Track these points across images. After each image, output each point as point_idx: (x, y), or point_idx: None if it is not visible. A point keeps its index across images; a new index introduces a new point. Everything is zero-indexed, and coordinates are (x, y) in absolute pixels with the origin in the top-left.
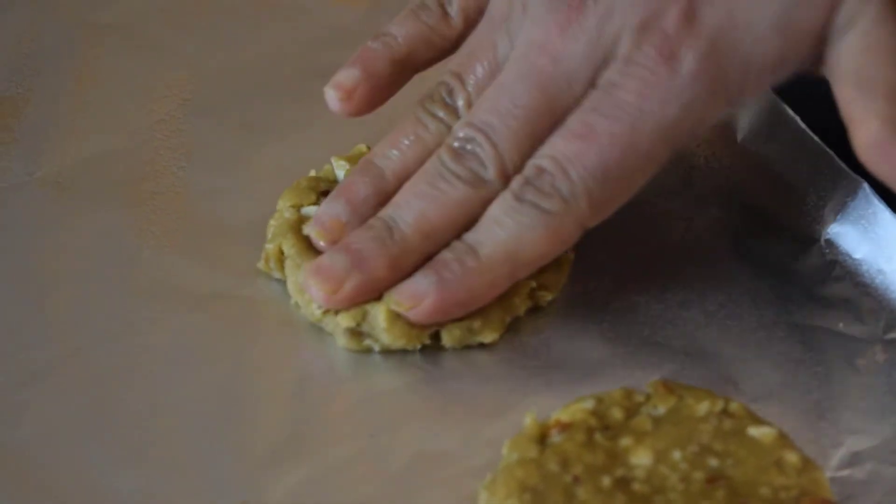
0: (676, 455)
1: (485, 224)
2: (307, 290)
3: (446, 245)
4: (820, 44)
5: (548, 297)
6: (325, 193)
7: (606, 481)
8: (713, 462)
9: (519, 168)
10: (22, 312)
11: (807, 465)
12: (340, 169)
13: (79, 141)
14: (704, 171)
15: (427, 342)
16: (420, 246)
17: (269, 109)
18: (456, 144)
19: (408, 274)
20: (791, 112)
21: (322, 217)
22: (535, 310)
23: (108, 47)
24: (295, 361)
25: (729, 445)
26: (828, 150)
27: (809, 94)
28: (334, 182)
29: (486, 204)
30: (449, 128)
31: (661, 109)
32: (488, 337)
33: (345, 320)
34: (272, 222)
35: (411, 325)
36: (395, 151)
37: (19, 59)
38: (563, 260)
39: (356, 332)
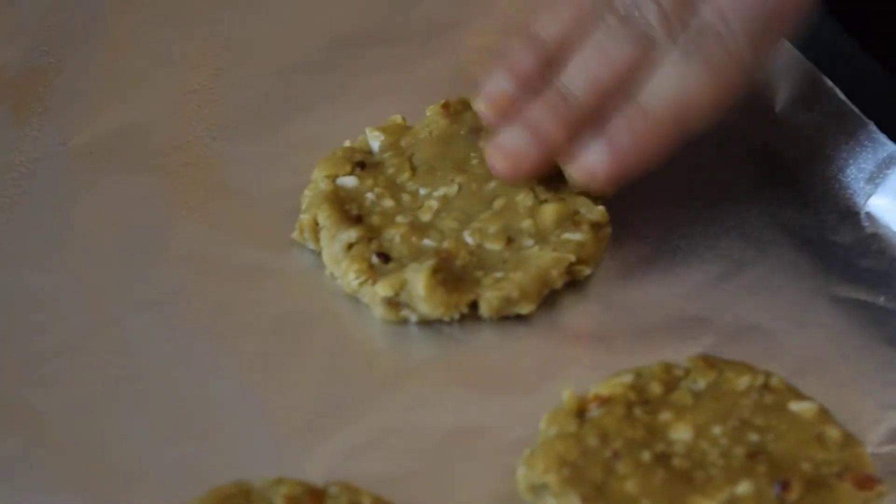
0: (717, 430)
1: (653, 82)
2: (491, 167)
3: (617, 102)
4: None
5: (585, 271)
6: (360, 164)
7: (646, 456)
8: (754, 437)
9: (685, 23)
10: (55, 282)
11: (848, 440)
12: (375, 140)
13: (110, 111)
14: (742, 142)
15: (464, 312)
16: (592, 106)
17: (302, 79)
18: (622, 11)
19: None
20: (830, 82)
21: (489, 92)
22: (572, 284)
23: (141, 17)
24: (331, 333)
25: (770, 420)
26: (868, 120)
27: (849, 63)
28: (369, 153)
29: (655, 64)
30: None
31: None
32: (525, 308)
33: (382, 290)
34: (307, 192)
35: (450, 293)
36: (553, 19)
37: (50, 29)
38: (601, 235)
39: (393, 303)
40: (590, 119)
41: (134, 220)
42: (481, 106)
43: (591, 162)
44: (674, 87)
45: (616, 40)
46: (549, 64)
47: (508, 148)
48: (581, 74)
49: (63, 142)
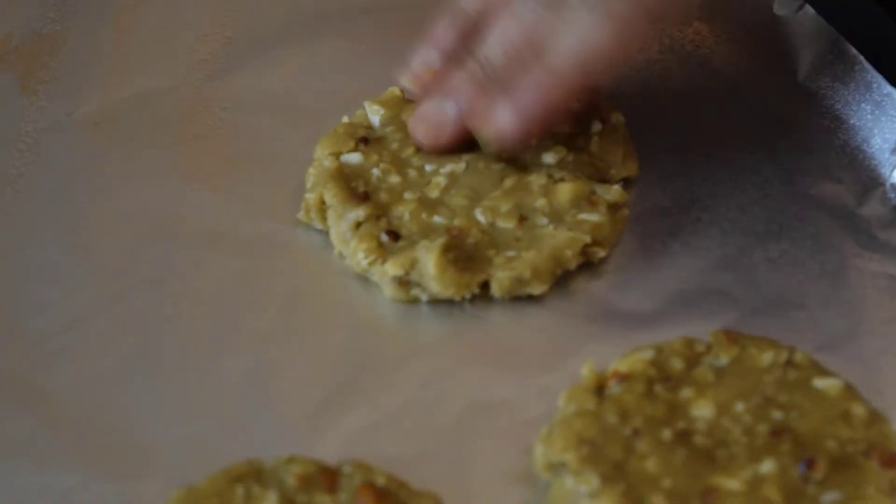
0: (739, 407)
1: (558, 39)
2: (413, 138)
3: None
4: None
5: (600, 253)
6: (363, 140)
7: (667, 434)
8: (777, 414)
9: None
10: (62, 256)
11: (874, 417)
12: (374, 114)
13: (118, 81)
14: (764, 113)
15: (476, 291)
16: (507, 69)
17: (313, 47)
18: None
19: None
20: (854, 50)
21: (413, 67)
22: (585, 265)
23: None
24: (341, 311)
25: (794, 397)
26: (893, 89)
27: (874, 31)
28: (370, 127)
29: (563, 23)
30: None
31: None
32: (537, 289)
33: (393, 268)
34: (311, 171)
35: (461, 272)
36: None
37: None
38: (619, 217)
39: (404, 282)
40: (502, 80)
41: (141, 193)
42: (405, 82)
43: (499, 121)
44: (575, 40)
45: (530, 5)
46: (471, 34)
47: (428, 117)
48: (497, 42)
49: (70, 112)
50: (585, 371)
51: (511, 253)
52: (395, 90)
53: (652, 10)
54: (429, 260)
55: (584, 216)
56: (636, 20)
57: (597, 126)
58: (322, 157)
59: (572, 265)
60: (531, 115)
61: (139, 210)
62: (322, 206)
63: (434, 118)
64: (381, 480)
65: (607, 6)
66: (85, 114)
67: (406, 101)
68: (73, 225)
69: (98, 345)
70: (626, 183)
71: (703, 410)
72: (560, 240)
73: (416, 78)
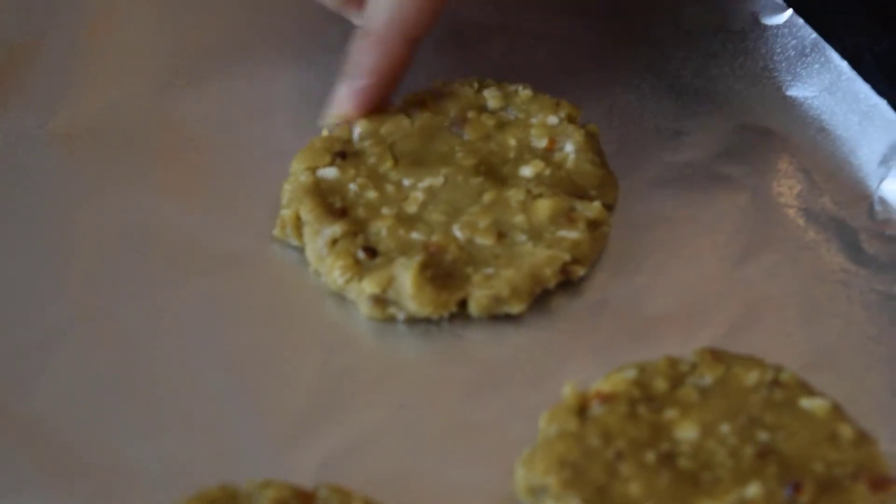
0: (725, 428)
1: (371, 3)
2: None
3: None
4: None
5: (580, 271)
6: (340, 154)
7: (650, 456)
8: (763, 436)
9: None
10: (35, 271)
11: (862, 438)
12: (355, 127)
13: (92, 91)
14: (752, 126)
15: (453, 310)
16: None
17: (291, 57)
18: None
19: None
20: (841, 60)
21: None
22: (565, 283)
23: None
24: (317, 330)
25: (780, 418)
26: (881, 99)
27: (861, 41)
28: (349, 141)
29: None
30: None
31: None
32: (516, 307)
33: (369, 286)
34: (287, 186)
35: (439, 291)
36: None
37: (31, 5)
38: (599, 234)
39: (380, 300)
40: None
41: (115, 207)
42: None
43: (337, 96)
44: (387, 3)
45: None
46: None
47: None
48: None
49: (42, 124)
50: (567, 391)
51: (489, 270)
52: None
53: None
54: (406, 278)
55: (563, 233)
56: None
57: (569, 145)
58: (298, 172)
59: (551, 283)
60: (364, 86)
61: (113, 224)
62: (298, 222)
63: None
64: None
65: None
66: (57, 126)
67: (387, 115)
68: (46, 239)
69: (70, 362)
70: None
71: (687, 432)
72: (539, 258)
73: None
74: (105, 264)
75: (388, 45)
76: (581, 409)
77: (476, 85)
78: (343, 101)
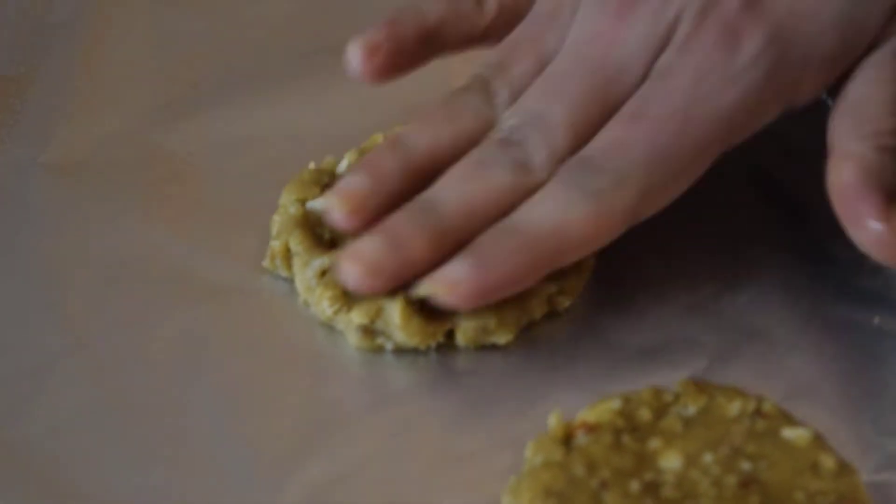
0: (708, 458)
1: (528, 204)
2: (342, 276)
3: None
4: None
5: (566, 302)
6: (328, 186)
7: (635, 486)
8: (746, 465)
9: (569, 157)
10: (26, 302)
11: (843, 468)
12: (344, 159)
13: (85, 123)
14: (734, 156)
15: (441, 341)
16: (461, 227)
17: (282, 90)
18: (502, 135)
19: (448, 257)
20: (825, 96)
21: (342, 187)
22: (551, 315)
23: (116, 27)
24: (305, 360)
25: (762, 448)
26: None
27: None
28: (337, 174)
29: (530, 192)
30: (488, 117)
31: (715, 96)
32: (502, 338)
33: (358, 317)
34: (276, 218)
35: (427, 322)
36: (427, 131)
37: (24, 38)
38: (584, 265)
39: (369, 330)
40: (456, 239)
41: (107, 238)
42: (332, 200)
43: (453, 273)
44: (550, 211)
45: (494, 163)
46: (415, 174)
47: (365, 257)
48: (451, 189)
49: (34, 156)
50: (552, 421)
51: None
52: (377, 137)
53: (629, 204)
54: (394, 309)
55: None
56: (615, 208)
57: None
58: (287, 204)
59: (538, 315)
60: (491, 273)
61: (104, 255)
62: (287, 254)
63: (370, 258)
64: None
65: (586, 187)
66: (49, 158)
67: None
68: (38, 270)
69: (59, 392)
70: None
71: (671, 462)
72: (526, 290)
73: (345, 198)
74: (96, 295)
75: (533, 251)
76: (566, 439)
77: None
78: (458, 274)
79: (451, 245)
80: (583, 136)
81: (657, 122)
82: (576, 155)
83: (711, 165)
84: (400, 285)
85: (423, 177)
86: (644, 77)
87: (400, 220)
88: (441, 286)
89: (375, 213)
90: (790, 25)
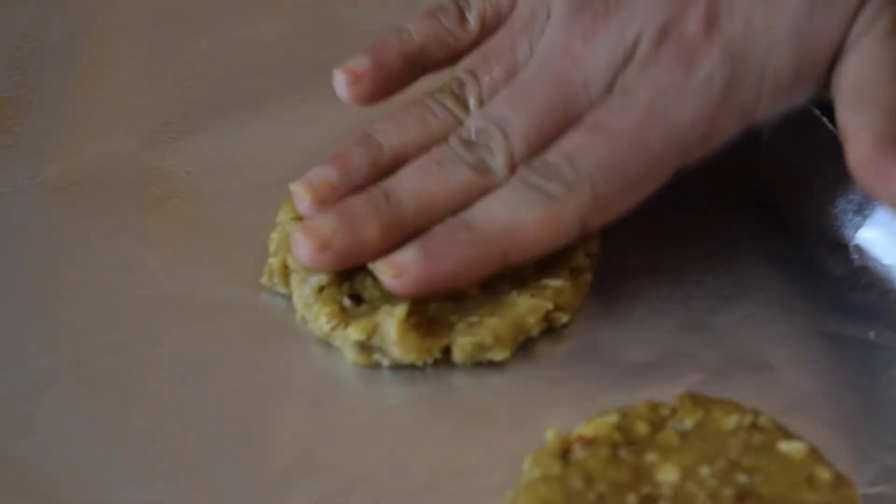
0: (704, 471)
1: (483, 202)
2: (294, 248)
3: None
4: (833, 64)
5: (563, 318)
6: None
7: (632, 499)
8: (742, 478)
9: (527, 162)
10: (24, 321)
11: (839, 481)
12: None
13: (82, 144)
14: (729, 174)
15: (437, 357)
16: (415, 217)
17: (278, 110)
18: (466, 136)
19: (399, 245)
20: (817, 112)
21: (310, 176)
22: (548, 331)
23: (112, 48)
24: (304, 377)
25: (759, 461)
26: None
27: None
28: None
29: (487, 191)
30: (456, 119)
31: (673, 111)
32: (499, 355)
33: (355, 333)
34: (274, 235)
35: (424, 338)
36: (396, 130)
37: (21, 59)
38: (581, 282)
39: (365, 346)
40: (409, 228)
41: (104, 257)
42: (298, 189)
43: (401, 258)
44: (503, 210)
45: (454, 160)
46: (382, 170)
47: (316, 232)
48: (409, 179)
49: (33, 176)
50: (550, 435)
51: (473, 318)
52: None
53: (585, 211)
54: (391, 325)
55: (546, 281)
56: (569, 214)
57: None
58: (285, 221)
59: (535, 331)
60: (439, 264)
61: (102, 274)
62: (285, 271)
63: (321, 234)
64: None
65: (543, 190)
66: (47, 178)
67: None
68: (36, 289)
69: (57, 411)
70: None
71: (667, 475)
72: (522, 306)
73: (312, 188)
74: (94, 313)
75: (483, 248)
76: (564, 453)
77: None
78: (407, 260)
79: (404, 233)
80: (543, 144)
81: (614, 134)
82: (537, 161)
83: (709, 181)
84: (349, 266)
85: (389, 173)
86: (607, 91)
87: (357, 203)
88: (389, 268)
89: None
90: (745, 41)
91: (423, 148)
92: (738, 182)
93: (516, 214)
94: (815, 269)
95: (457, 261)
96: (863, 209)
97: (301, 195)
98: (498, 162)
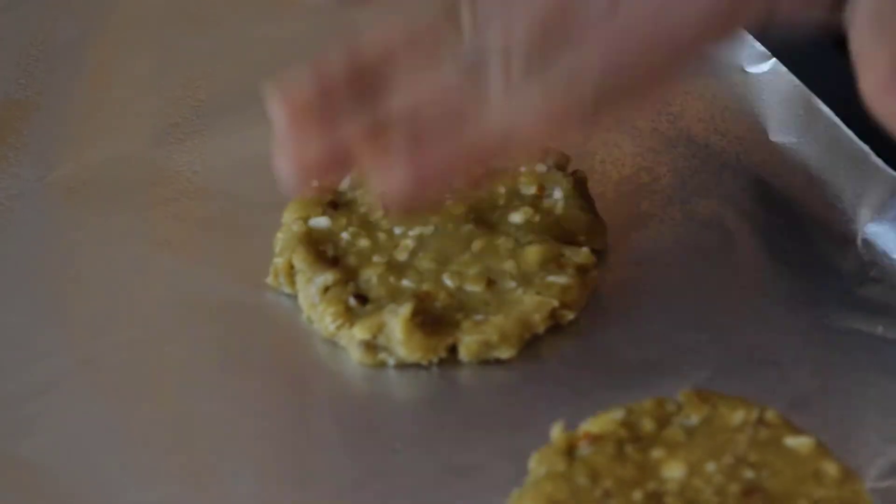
0: (711, 467)
1: (479, 109)
2: (277, 165)
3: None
4: None
5: (569, 316)
6: (331, 204)
7: (638, 496)
8: (749, 474)
9: (525, 71)
10: (32, 321)
11: (846, 476)
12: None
13: (90, 145)
14: (736, 169)
15: (443, 356)
16: (411, 129)
17: None
18: (465, 54)
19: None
20: (825, 107)
21: (287, 88)
22: (554, 329)
23: (121, 48)
24: (309, 375)
25: (765, 456)
26: (864, 145)
27: (843, 88)
28: (339, 191)
29: (484, 98)
30: (444, 28)
31: (684, 8)
32: (505, 353)
33: (360, 332)
34: (279, 235)
35: (429, 337)
36: (381, 35)
37: (29, 62)
38: (588, 279)
39: (371, 346)
40: (403, 140)
41: (112, 258)
42: (274, 101)
43: (391, 178)
44: (503, 117)
45: (450, 71)
46: (365, 75)
47: (304, 158)
48: (404, 99)
49: (41, 177)
50: (556, 432)
51: (479, 317)
52: None
53: (587, 108)
54: (396, 324)
55: (552, 278)
56: (571, 111)
57: (558, 192)
58: (290, 222)
59: (541, 329)
60: (430, 181)
61: (109, 274)
62: (291, 271)
63: (309, 161)
64: None
65: (540, 90)
66: (56, 179)
67: None
68: (45, 290)
69: (67, 410)
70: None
71: (674, 471)
72: (528, 304)
73: (288, 103)
74: (102, 314)
75: (476, 147)
76: (570, 450)
77: None
78: (397, 182)
79: (392, 137)
80: (543, 52)
81: (619, 32)
82: (533, 52)
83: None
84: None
85: (373, 78)
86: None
87: (350, 133)
88: (377, 189)
89: (321, 113)
90: None
91: (411, 50)
92: (744, 177)
93: (515, 109)
94: (823, 264)
95: (452, 157)
96: (871, 204)
97: (277, 108)
98: (494, 69)
